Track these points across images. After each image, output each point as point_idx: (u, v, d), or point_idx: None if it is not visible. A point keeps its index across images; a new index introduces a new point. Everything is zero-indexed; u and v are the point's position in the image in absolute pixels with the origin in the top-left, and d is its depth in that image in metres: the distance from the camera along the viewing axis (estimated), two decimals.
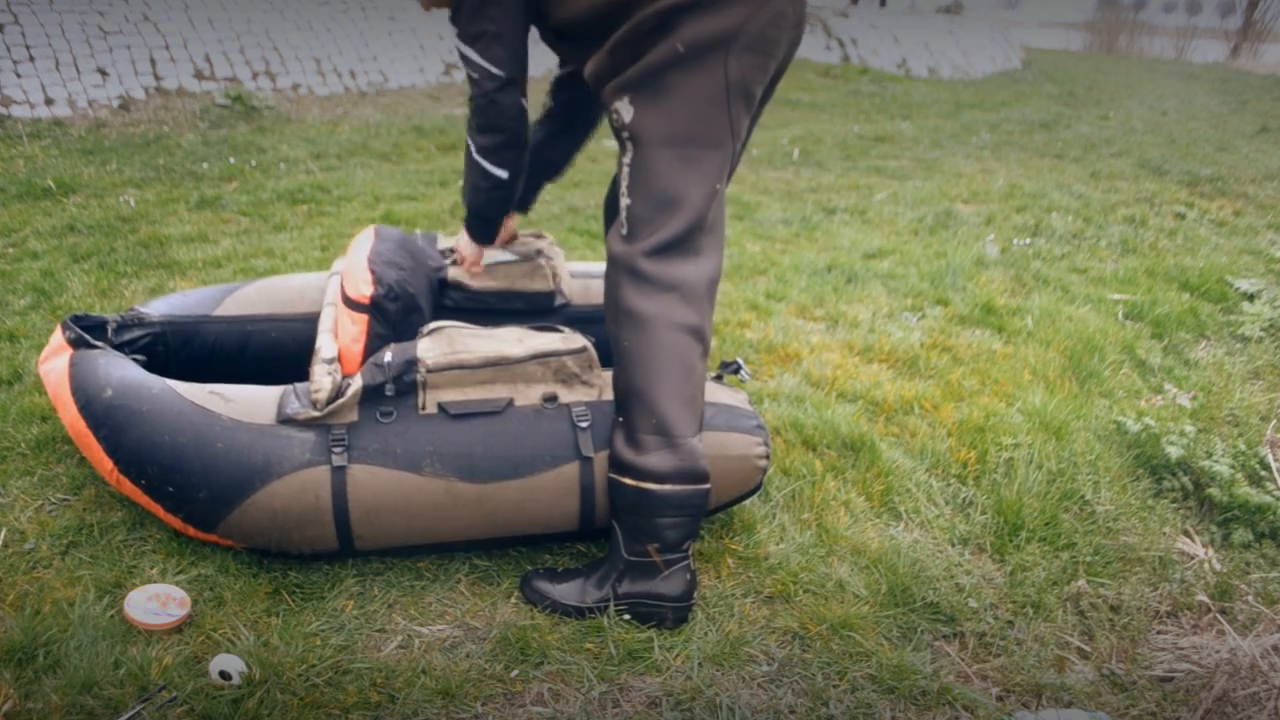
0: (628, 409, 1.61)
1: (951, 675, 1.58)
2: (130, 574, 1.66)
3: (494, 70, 1.65)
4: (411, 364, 1.65)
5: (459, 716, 1.44)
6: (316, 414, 1.61)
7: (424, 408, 1.65)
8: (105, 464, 1.65)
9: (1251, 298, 3.45)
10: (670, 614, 1.62)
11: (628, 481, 1.59)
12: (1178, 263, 3.83)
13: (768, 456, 1.76)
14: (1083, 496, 2.05)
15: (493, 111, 1.69)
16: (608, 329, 1.65)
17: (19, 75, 5.41)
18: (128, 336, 1.93)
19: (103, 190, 4.21)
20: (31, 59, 5.50)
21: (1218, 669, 1.56)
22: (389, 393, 1.64)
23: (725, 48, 1.51)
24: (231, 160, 4.88)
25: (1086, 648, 1.68)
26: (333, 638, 1.56)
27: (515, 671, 1.52)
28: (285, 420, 1.62)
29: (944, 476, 2.13)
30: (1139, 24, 18.13)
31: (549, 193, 4.69)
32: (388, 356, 1.65)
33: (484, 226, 1.97)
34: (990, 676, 1.59)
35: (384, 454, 1.60)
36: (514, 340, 1.73)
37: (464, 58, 1.67)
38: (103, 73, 5.75)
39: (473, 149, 1.75)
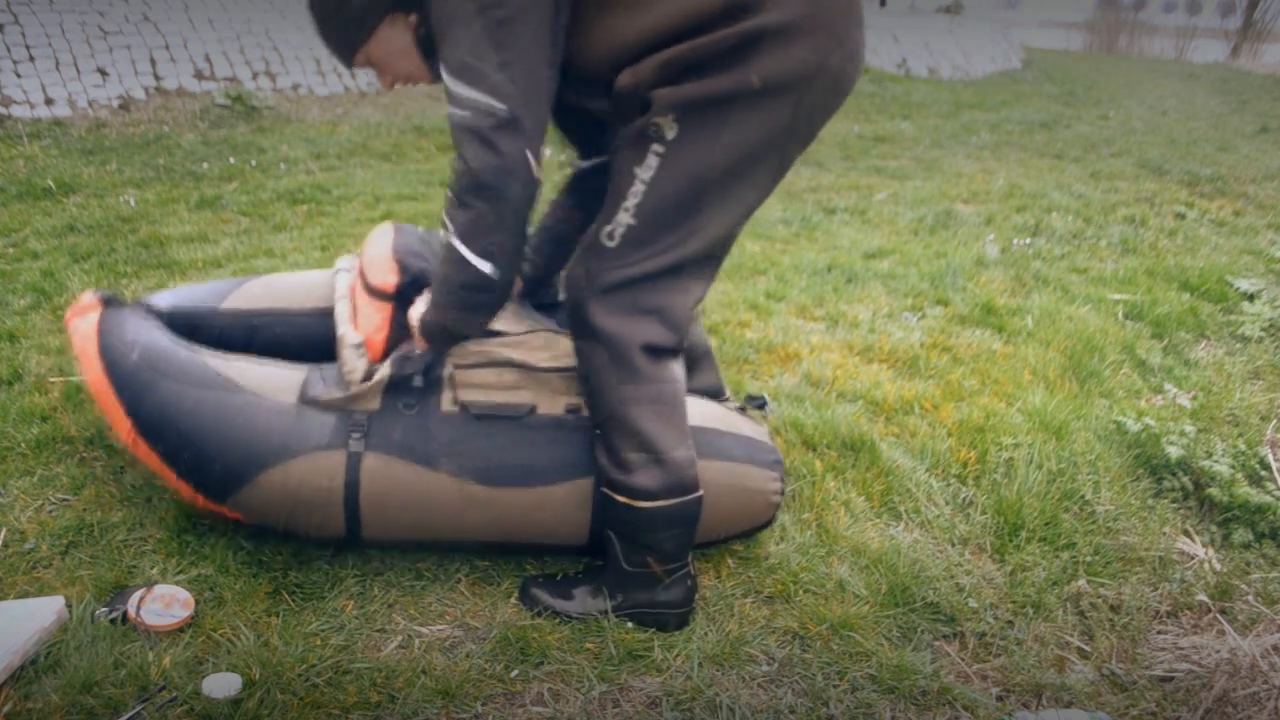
0: (606, 428, 1.54)
1: (951, 675, 1.58)
2: (130, 574, 1.66)
3: (492, 103, 1.30)
4: (439, 362, 1.64)
5: (459, 716, 1.44)
6: (340, 395, 1.61)
7: (446, 404, 1.64)
8: (124, 424, 1.64)
9: (1251, 298, 3.45)
10: (673, 620, 1.62)
11: (618, 498, 1.55)
12: (1178, 263, 3.83)
13: (781, 493, 1.74)
14: (1083, 496, 2.05)
15: (486, 164, 1.31)
16: (573, 342, 1.55)
17: (19, 75, 5.41)
18: None
19: (103, 190, 4.21)
20: (31, 59, 5.50)
21: (1218, 669, 1.56)
22: (417, 383, 1.63)
23: (803, 88, 1.36)
24: (231, 160, 4.88)
25: (1086, 648, 1.68)
26: (333, 638, 1.56)
27: (515, 671, 1.52)
28: (309, 401, 1.62)
29: (944, 476, 2.13)
30: (1139, 24, 18.11)
31: (549, 192, 4.69)
32: (417, 349, 1.64)
33: (446, 337, 1.59)
34: (990, 676, 1.59)
35: (402, 446, 1.60)
36: (541, 346, 1.69)
37: (451, 98, 1.32)
38: (103, 73, 5.76)
39: (451, 228, 1.38)
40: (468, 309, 1.49)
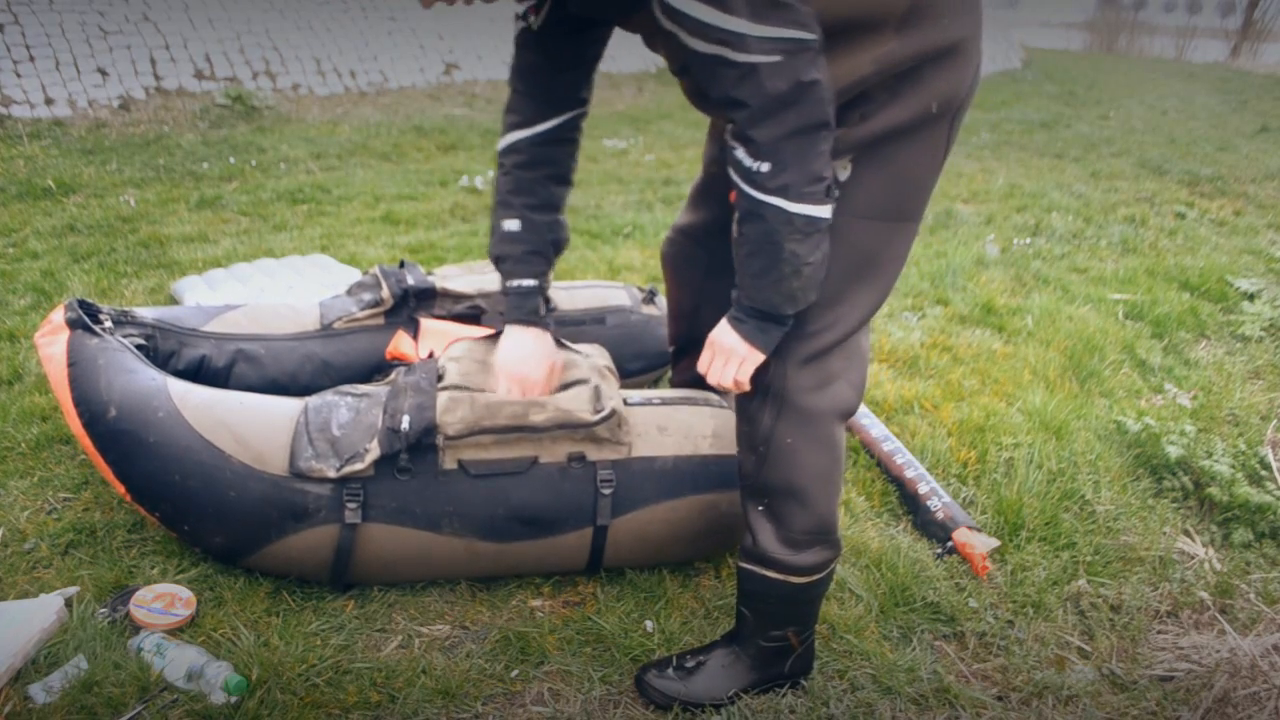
0: (781, 505, 1.39)
1: (951, 675, 1.58)
2: (131, 574, 1.66)
3: (802, 35, 1.11)
4: (430, 430, 1.55)
5: (459, 716, 1.44)
6: (331, 475, 1.54)
7: (445, 464, 1.58)
8: (118, 486, 1.63)
9: (1251, 297, 3.45)
10: (793, 684, 1.54)
11: (773, 576, 1.42)
12: (1178, 262, 3.83)
13: None
14: (1083, 496, 2.05)
15: (813, 102, 1.12)
16: (752, 417, 1.38)
17: (19, 75, 5.41)
18: (120, 334, 1.90)
19: (103, 190, 4.21)
20: (31, 59, 5.50)
21: (1218, 668, 1.56)
22: (404, 463, 1.56)
23: (960, 105, 1.25)
24: (231, 160, 4.88)
25: (1086, 647, 1.68)
26: (333, 638, 1.56)
27: (515, 671, 1.53)
28: (299, 474, 1.55)
29: (944, 476, 2.13)
30: (1139, 24, 18.11)
31: None
32: (405, 423, 1.55)
33: (791, 314, 1.30)
34: (990, 676, 1.59)
35: (402, 513, 1.57)
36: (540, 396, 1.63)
37: (735, 43, 1.10)
38: (103, 73, 5.75)
39: (784, 202, 1.16)
40: (818, 265, 1.25)
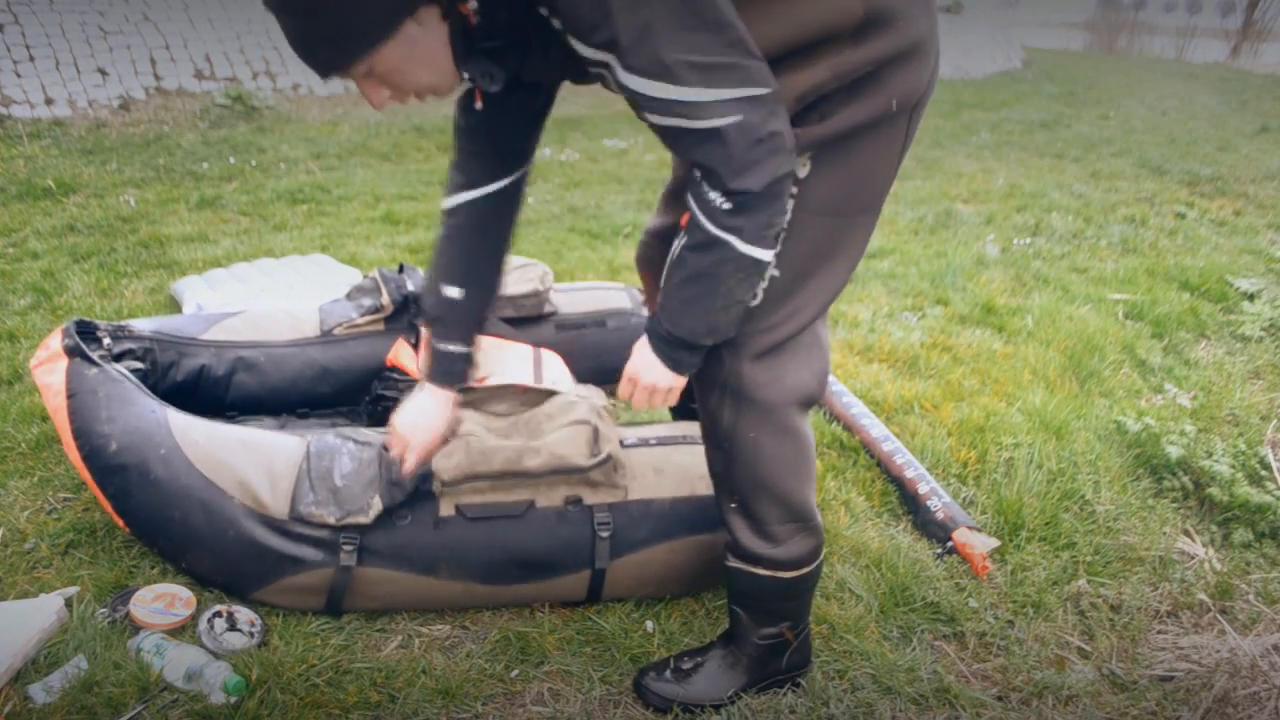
0: (752, 501, 1.39)
1: (951, 675, 1.58)
2: (131, 574, 1.66)
3: (755, 91, 1.10)
4: (427, 477, 1.58)
5: (459, 716, 1.44)
6: (331, 521, 1.55)
7: (442, 509, 1.59)
8: (117, 519, 1.63)
9: (1251, 297, 3.45)
10: (792, 682, 1.54)
11: (761, 572, 1.42)
12: (1178, 262, 3.83)
13: None
14: (1083, 496, 2.05)
15: (777, 153, 1.12)
16: (712, 414, 1.37)
17: (19, 75, 5.41)
18: (117, 350, 1.89)
19: (103, 190, 4.21)
20: (31, 59, 5.51)
21: (1218, 668, 1.57)
22: (403, 517, 1.57)
23: (919, 102, 1.27)
24: (231, 160, 4.88)
25: (1086, 647, 1.68)
26: (333, 637, 1.56)
27: (515, 671, 1.53)
28: (299, 518, 1.56)
29: (944, 476, 2.13)
30: (1139, 24, 18.12)
31: (549, 192, 4.69)
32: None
33: (704, 347, 1.32)
34: (990, 676, 1.59)
35: (398, 558, 1.57)
36: (536, 437, 1.63)
37: (692, 111, 1.09)
38: (103, 73, 5.76)
39: (735, 239, 1.17)
40: (745, 304, 1.29)
